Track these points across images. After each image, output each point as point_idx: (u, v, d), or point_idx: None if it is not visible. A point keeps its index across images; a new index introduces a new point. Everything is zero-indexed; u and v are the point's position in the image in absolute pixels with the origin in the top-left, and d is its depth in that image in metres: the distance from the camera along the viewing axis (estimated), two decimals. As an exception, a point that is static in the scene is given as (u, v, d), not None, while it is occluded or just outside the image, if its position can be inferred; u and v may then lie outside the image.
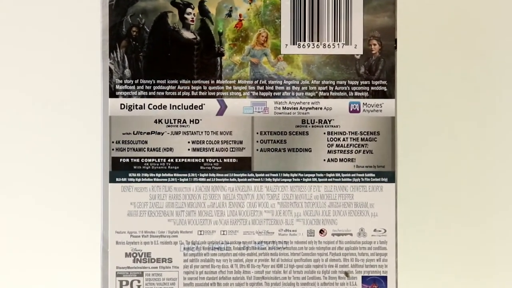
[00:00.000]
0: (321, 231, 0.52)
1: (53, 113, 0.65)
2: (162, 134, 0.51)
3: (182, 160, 0.51)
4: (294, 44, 0.52)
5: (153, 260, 0.51)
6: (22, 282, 0.65)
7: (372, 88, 0.52)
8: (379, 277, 0.52)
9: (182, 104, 0.51)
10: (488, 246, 0.64)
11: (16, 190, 0.64)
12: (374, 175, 0.52)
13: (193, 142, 0.51)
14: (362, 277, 0.51)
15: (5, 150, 0.64)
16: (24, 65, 0.64)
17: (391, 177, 0.52)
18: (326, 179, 0.52)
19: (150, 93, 0.51)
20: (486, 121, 0.64)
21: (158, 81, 0.51)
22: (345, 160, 0.52)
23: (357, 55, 0.52)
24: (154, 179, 0.51)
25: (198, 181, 0.51)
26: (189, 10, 0.51)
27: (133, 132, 0.51)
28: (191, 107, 0.51)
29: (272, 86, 0.51)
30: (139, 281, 0.51)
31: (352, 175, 0.52)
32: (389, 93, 0.52)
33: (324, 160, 0.52)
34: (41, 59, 0.64)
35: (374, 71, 0.52)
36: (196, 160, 0.51)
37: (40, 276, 0.65)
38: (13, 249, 0.64)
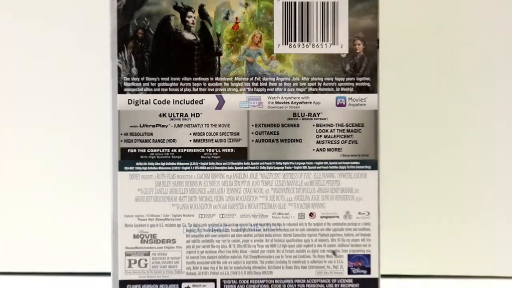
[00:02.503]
0: (311, 214, 0.52)
1: (68, 109, 0.65)
2: (166, 126, 0.52)
3: (184, 150, 0.52)
4: (285, 44, 0.52)
5: (158, 241, 0.52)
6: (36, 261, 0.65)
7: (357, 84, 0.52)
8: (363, 255, 0.52)
9: (184, 99, 0.52)
10: (463, 224, 0.65)
11: (32, 179, 0.65)
12: (358, 163, 0.53)
13: (194, 134, 0.52)
14: (348, 255, 0.52)
15: (25, 140, 0.65)
16: (43, 65, 0.65)
17: (374, 165, 0.52)
18: (315, 167, 0.52)
19: (155, 90, 0.52)
20: (461, 112, 0.65)
21: (162, 79, 0.52)
22: (333, 149, 0.52)
23: (343, 54, 0.52)
24: (159, 168, 0.52)
25: (199, 169, 0.52)
26: (190, 13, 0.52)
27: (140, 125, 0.52)
28: (192, 102, 0.52)
29: (266, 83, 0.52)
30: (146, 260, 0.52)
31: (339, 163, 0.52)
32: (372, 89, 0.52)
33: (314, 149, 0.52)
34: (57, 60, 0.65)
35: (359, 69, 0.52)
36: (197, 150, 0.52)
37: (52, 258, 0.65)
38: (30, 231, 0.65)
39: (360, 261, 0.52)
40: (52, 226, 0.66)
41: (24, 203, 0.65)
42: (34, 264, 0.66)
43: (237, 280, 0.52)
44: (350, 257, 0.52)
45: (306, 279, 0.52)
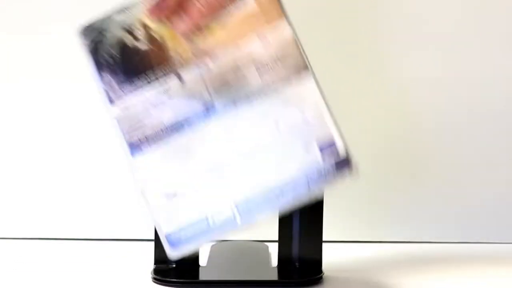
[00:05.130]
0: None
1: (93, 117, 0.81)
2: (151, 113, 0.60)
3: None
4: None
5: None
6: (89, 230, 0.80)
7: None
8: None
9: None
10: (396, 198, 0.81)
11: (90, 167, 0.82)
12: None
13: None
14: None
15: (79, 140, 0.82)
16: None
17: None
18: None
19: (134, 93, 0.60)
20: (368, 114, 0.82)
21: (136, 83, 0.60)
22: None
23: None
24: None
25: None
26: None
27: (133, 121, 0.59)
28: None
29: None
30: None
31: None
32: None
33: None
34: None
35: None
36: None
37: (103, 221, 0.81)
38: (86, 211, 0.80)
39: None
40: (102, 202, 0.82)
41: (74, 187, 0.82)
42: (87, 233, 0.82)
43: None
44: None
45: None
